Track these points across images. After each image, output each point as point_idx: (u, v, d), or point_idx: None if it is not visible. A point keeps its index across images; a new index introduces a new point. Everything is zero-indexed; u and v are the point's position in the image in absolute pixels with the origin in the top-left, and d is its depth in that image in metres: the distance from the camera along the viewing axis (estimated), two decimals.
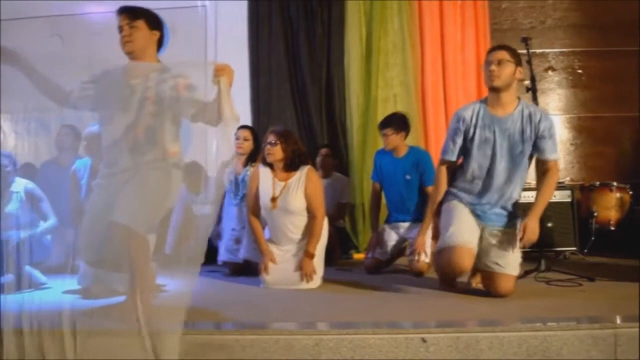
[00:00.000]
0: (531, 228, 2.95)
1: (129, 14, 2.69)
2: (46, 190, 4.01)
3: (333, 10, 5.73)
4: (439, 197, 3.24)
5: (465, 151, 3.15)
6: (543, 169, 3.11)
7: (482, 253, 3.06)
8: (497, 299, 2.95)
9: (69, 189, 4.02)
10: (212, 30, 5.74)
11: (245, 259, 4.05)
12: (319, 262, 3.60)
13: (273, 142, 3.57)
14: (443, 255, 3.05)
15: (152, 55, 2.76)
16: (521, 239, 2.96)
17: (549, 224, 4.54)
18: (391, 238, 4.21)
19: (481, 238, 3.07)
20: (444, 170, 3.24)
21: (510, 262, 2.99)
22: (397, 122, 4.19)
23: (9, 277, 3.75)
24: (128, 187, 2.62)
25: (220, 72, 2.43)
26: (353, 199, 5.44)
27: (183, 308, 2.30)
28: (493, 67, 3.00)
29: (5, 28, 2.82)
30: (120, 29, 2.68)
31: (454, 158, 3.18)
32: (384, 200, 4.42)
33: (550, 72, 5.77)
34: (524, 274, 3.51)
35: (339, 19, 5.70)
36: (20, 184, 3.81)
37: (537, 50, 5.53)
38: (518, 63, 3.06)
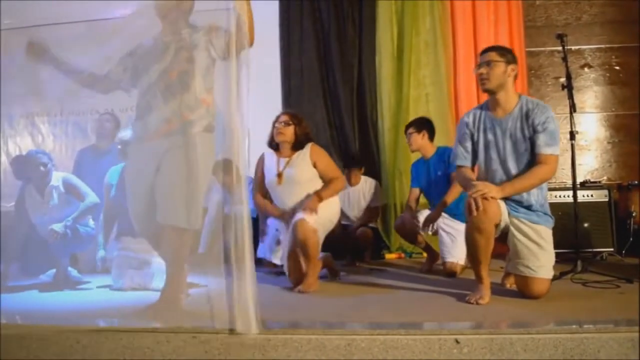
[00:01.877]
0: (486, 189, 2.78)
1: None
2: (84, 177, 4.12)
3: (364, 10, 5.72)
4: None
5: (475, 155, 3.13)
6: (535, 161, 2.93)
7: (512, 254, 3.01)
8: (532, 300, 2.90)
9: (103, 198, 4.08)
10: None
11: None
12: (322, 229, 3.48)
13: (287, 122, 3.60)
14: (469, 207, 2.84)
15: (184, 19, 2.85)
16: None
17: (586, 224, 4.46)
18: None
19: (509, 235, 3.00)
20: (461, 172, 3.16)
21: (542, 265, 2.92)
22: (418, 122, 4.35)
23: (49, 274, 3.88)
24: (165, 179, 2.69)
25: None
26: (385, 199, 5.42)
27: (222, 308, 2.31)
28: (482, 70, 2.97)
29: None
30: None
31: (467, 163, 3.14)
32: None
33: (586, 69, 5.66)
34: (559, 276, 3.45)
35: (370, 19, 5.70)
36: (57, 178, 3.94)
37: (573, 47, 5.42)
38: (509, 61, 2.99)
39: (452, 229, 4.04)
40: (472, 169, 3.19)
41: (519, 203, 2.98)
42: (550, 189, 4.73)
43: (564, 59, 3.88)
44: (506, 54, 3.03)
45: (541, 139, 2.90)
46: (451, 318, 2.58)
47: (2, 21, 2.86)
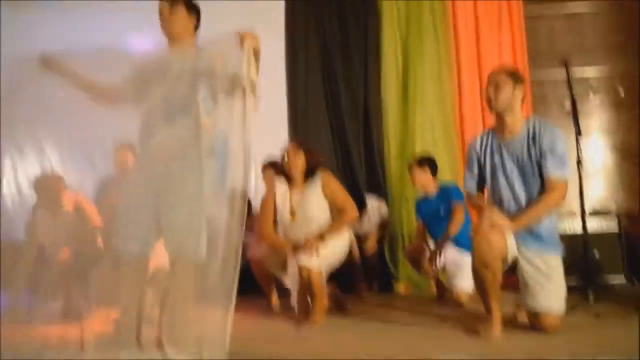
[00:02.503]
0: (511, 226, 2.82)
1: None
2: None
3: (369, 39, 5.75)
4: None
5: (483, 180, 3.12)
6: (546, 188, 2.89)
7: (522, 288, 2.96)
8: (544, 333, 2.84)
9: None
10: None
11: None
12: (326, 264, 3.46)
13: (294, 153, 3.60)
14: (476, 243, 2.85)
15: (190, 39, 2.87)
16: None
17: (596, 255, 4.40)
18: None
19: (519, 268, 2.96)
20: (473, 200, 3.19)
21: (554, 301, 2.87)
22: (420, 159, 4.41)
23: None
24: (168, 207, 2.66)
25: (244, 38, 2.57)
26: (392, 228, 5.38)
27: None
28: (490, 91, 2.96)
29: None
30: (161, 12, 2.81)
31: (474, 190, 3.16)
32: None
33: (591, 94, 5.64)
34: (571, 307, 3.38)
35: (375, 47, 5.73)
36: (69, 197, 3.96)
37: (577, 72, 5.42)
38: (517, 82, 2.97)
39: (457, 259, 4.00)
40: (482, 193, 3.17)
41: (528, 233, 2.94)
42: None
43: (569, 85, 3.88)
44: (514, 75, 3.01)
45: (549, 162, 2.86)
46: (462, 351, 2.53)
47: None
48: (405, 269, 5.26)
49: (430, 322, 3.32)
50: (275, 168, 4.06)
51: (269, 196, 3.72)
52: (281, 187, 3.66)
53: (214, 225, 3.01)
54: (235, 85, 2.69)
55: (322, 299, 3.42)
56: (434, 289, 4.46)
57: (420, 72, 5.56)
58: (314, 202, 3.51)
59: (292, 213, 3.53)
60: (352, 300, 4.30)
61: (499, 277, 2.86)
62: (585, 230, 3.79)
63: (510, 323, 3.08)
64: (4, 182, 5.54)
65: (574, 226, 4.49)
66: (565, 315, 2.95)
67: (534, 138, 2.90)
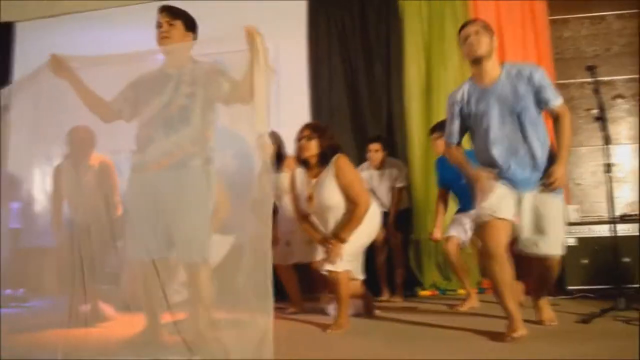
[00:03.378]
0: (558, 174, 2.86)
1: (170, 12, 2.88)
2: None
3: (392, 47, 5.78)
4: (464, 164, 3.15)
5: (469, 130, 3.14)
6: (553, 117, 3.02)
7: (522, 229, 2.98)
8: (569, 338, 2.81)
9: None
10: None
11: (297, 262, 4.16)
12: (354, 250, 3.45)
13: (309, 136, 3.53)
14: (479, 233, 2.97)
15: (187, 52, 2.91)
16: (549, 185, 2.88)
17: (627, 259, 4.33)
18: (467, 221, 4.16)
19: (521, 212, 2.96)
20: (452, 151, 3.23)
21: (554, 246, 2.94)
22: (442, 126, 4.21)
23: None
24: (174, 216, 2.70)
25: (251, 34, 2.54)
26: (417, 234, 5.38)
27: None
28: (471, 38, 3.00)
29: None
30: (159, 24, 2.86)
31: (455, 140, 3.18)
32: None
33: (619, 100, 5.58)
34: (600, 313, 3.34)
35: (398, 55, 5.75)
36: (96, 158, 4.02)
37: (604, 78, 5.37)
38: (491, 32, 3.05)
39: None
40: (460, 144, 3.21)
41: (529, 178, 2.94)
42: (587, 223, 4.64)
43: (596, 90, 3.84)
44: (486, 26, 3.08)
45: (550, 94, 2.95)
46: (484, 356, 2.51)
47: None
48: (430, 274, 5.25)
49: (455, 327, 3.30)
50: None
51: (292, 182, 3.75)
52: (300, 173, 3.67)
53: (241, 230, 3.06)
54: (234, 95, 2.73)
55: (347, 302, 3.41)
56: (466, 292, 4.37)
57: (443, 77, 5.56)
58: (329, 191, 3.46)
59: (310, 199, 3.52)
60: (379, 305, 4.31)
61: (507, 268, 2.85)
62: (615, 235, 3.75)
63: (536, 328, 3.05)
64: (34, 189, 5.68)
65: (603, 231, 4.43)
66: (594, 320, 2.91)
67: (519, 75, 2.97)
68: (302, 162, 3.60)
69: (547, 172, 2.90)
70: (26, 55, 6.62)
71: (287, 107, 5.33)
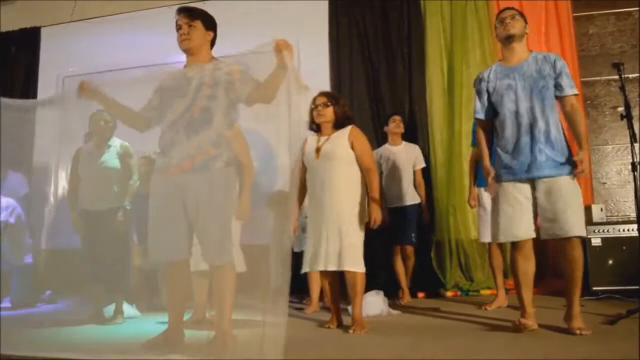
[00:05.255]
0: (586, 162, 2.97)
1: (188, 14, 2.90)
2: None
3: (413, 46, 5.75)
4: (484, 150, 3.31)
5: (494, 106, 3.25)
6: (567, 108, 3.13)
7: (541, 219, 3.06)
8: (596, 340, 2.77)
9: None
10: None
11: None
12: (355, 241, 3.44)
13: (325, 103, 3.61)
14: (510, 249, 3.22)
15: (207, 53, 2.95)
16: (579, 173, 2.97)
17: None
18: None
19: (536, 200, 3.07)
20: (478, 129, 3.36)
21: (571, 222, 2.96)
22: None
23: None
24: (198, 218, 2.73)
25: (282, 46, 2.58)
26: (439, 235, 5.36)
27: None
28: (508, 20, 3.22)
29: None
30: (179, 27, 2.88)
31: (482, 116, 3.30)
32: None
33: None
34: (626, 314, 3.28)
35: (420, 54, 5.73)
36: (116, 141, 4.15)
37: (630, 75, 5.27)
38: (526, 21, 3.28)
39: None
40: (489, 122, 3.30)
41: (545, 161, 3.03)
42: (612, 223, 4.57)
43: (622, 88, 3.77)
44: (522, 13, 3.31)
45: (566, 82, 3.11)
46: (516, 356, 2.49)
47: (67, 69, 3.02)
48: (452, 275, 5.21)
49: (481, 327, 3.28)
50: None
51: (301, 155, 3.74)
52: (312, 136, 3.70)
53: (261, 227, 3.09)
54: (256, 95, 2.76)
55: (361, 298, 3.45)
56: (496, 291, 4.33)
57: (466, 76, 5.51)
58: (338, 145, 3.52)
59: (317, 151, 3.54)
60: (397, 306, 4.30)
61: (531, 262, 3.07)
62: None
63: (565, 330, 3.01)
64: (58, 192, 5.79)
65: (629, 231, 4.37)
66: (619, 322, 2.87)
67: (544, 59, 3.17)
68: (314, 127, 3.69)
69: (574, 161, 2.98)
70: (51, 59, 6.74)
71: (308, 107, 5.33)
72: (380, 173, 4.83)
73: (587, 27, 5.63)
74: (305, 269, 3.53)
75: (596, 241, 4.38)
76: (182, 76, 2.89)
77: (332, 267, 3.38)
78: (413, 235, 4.80)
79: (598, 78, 5.50)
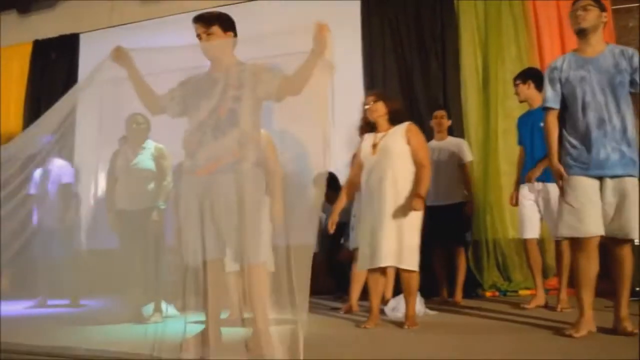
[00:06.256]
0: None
1: (203, 22, 2.90)
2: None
3: (447, 43, 5.71)
4: (553, 145, 3.15)
5: (564, 97, 3.14)
6: None
7: (606, 219, 2.95)
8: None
9: None
10: None
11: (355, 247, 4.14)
12: (414, 240, 3.47)
13: (375, 100, 3.67)
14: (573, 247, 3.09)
15: (230, 54, 2.94)
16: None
17: None
18: None
19: (603, 198, 2.95)
20: (550, 119, 3.18)
21: (633, 225, 2.86)
22: (524, 73, 4.37)
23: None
24: (230, 219, 2.73)
25: (324, 29, 2.59)
26: (476, 234, 5.29)
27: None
28: (579, 12, 3.08)
29: None
30: (199, 37, 2.91)
31: (556, 105, 3.16)
32: None
33: None
34: None
35: (454, 51, 5.67)
36: (151, 143, 4.26)
37: None
38: (602, 9, 3.12)
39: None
40: (559, 114, 3.18)
41: (619, 159, 2.93)
42: None
43: None
44: (599, 2, 3.13)
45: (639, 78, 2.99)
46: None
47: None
48: (490, 275, 5.14)
49: (518, 325, 3.25)
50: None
51: (357, 152, 3.81)
52: (368, 135, 3.74)
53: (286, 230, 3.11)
54: (285, 89, 2.76)
55: (415, 300, 3.54)
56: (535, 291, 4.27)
57: (501, 72, 5.43)
58: (396, 140, 3.56)
59: (374, 146, 3.58)
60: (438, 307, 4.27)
61: (593, 262, 2.93)
62: None
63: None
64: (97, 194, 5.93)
65: None
66: None
67: (622, 53, 3.05)
68: (370, 127, 3.73)
69: None
70: (90, 64, 6.88)
71: (341, 107, 5.34)
72: None
73: (626, 19, 5.48)
74: (363, 267, 3.60)
75: None
76: (207, 78, 2.92)
77: (390, 263, 3.45)
78: (462, 234, 4.76)
79: None
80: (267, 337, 2.73)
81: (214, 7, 3.77)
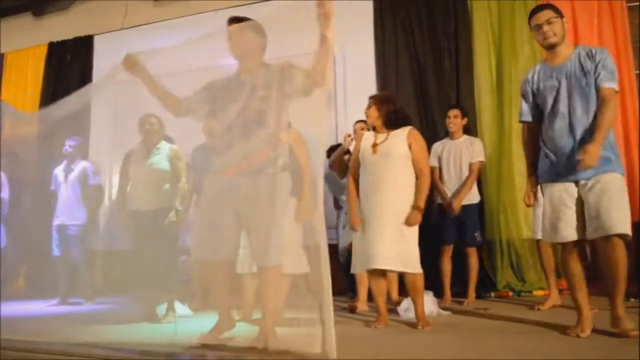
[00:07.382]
0: (591, 152, 2.81)
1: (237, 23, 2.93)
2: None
3: (460, 42, 5.68)
4: (527, 157, 3.27)
5: (540, 108, 3.16)
6: (599, 100, 2.97)
7: (587, 217, 2.95)
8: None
9: None
10: (340, 71, 5.92)
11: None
12: (413, 243, 3.46)
13: (369, 104, 3.69)
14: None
15: (259, 57, 2.97)
16: (580, 161, 2.83)
17: None
18: None
19: (580, 201, 2.97)
20: (525, 132, 3.27)
21: (614, 220, 2.84)
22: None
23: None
24: (255, 221, 2.76)
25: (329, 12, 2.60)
26: (490, 234, 5.26)
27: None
28: (545, 27, 3.08)
29: None
30: (230, 36, 2.94)
31: (529, 118, 3.22)
32: None
33: None
34: None
35: (467, 51, 5.65)
36: (165, 144, 4.26)
37: None
38: (561, 15, 3.14)
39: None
40: (536, 125, 3.19)
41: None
42: None
43: None
44: (557, 10, 3.16)
45: (603, 75, 2.98)
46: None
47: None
48: (504, 275, 5.11)
49: (532, 326, 3.24)
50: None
51: (356, 147, 3.80)
52: (369, 133, 3.74)
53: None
54: (310, 82, 2.75)
55: (422, 300, 3.51)
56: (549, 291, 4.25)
57: (514, 71, 5.39)
58: (397, 143, 3.54)
59: (374, 146, 3.56)
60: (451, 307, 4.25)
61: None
62: None
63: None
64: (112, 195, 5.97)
65: None
66: None
67: (587, 55, 3.05)
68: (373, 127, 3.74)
69: (581, 150, 2.86)
70: (105, 66, 6.94)
71: (354, 106, 5.34)
72: (439, 168, 4.77)
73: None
74: (357, 269, 3.60)
75: None
76: (234, 80, 2.95)
77: (391, 267, 3.42)
78: (476, 234, 4.72)
79: None
80: (272, 338, 2.74)
81: (228, 7, 3.79)
